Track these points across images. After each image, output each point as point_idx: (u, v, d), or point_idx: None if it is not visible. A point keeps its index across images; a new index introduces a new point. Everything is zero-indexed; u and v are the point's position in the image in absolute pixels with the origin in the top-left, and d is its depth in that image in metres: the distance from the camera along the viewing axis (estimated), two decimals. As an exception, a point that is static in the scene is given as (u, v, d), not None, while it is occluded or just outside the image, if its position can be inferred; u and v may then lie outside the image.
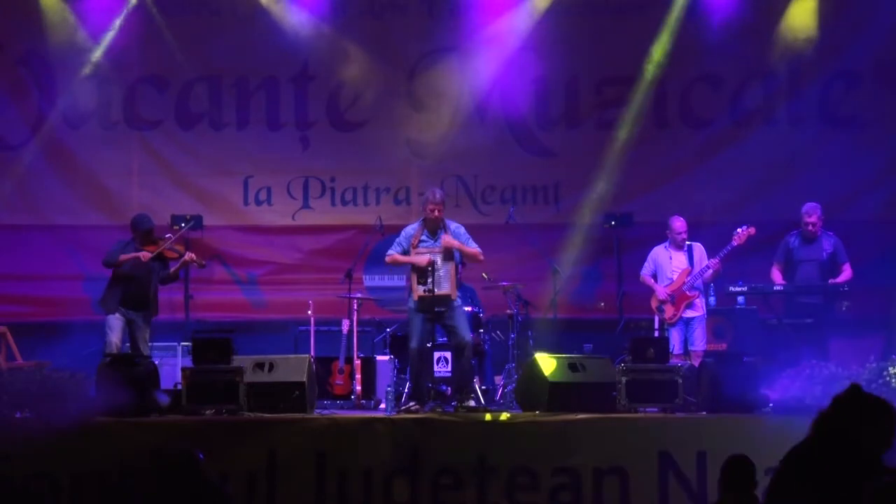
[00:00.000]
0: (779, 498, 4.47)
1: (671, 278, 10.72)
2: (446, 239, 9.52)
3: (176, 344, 11.25)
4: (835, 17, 12.45)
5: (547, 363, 9.16)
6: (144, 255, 10.05)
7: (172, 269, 10.34)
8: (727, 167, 12.46)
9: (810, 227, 10.53)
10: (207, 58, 12.58)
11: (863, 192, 12.28)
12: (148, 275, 10.22)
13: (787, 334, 10.32)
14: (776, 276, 10.64)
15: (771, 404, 8.87)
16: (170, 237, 10.34)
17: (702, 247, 10.68)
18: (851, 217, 11.83)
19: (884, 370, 8.67)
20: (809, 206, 10.53)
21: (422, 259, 9.46)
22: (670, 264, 10.80)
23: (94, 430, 8.32)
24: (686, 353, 10.52)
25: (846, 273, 10.49)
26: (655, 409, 8.91)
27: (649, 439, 8.47)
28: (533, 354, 9.71)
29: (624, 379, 8.87)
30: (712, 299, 11.27)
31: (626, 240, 11.93)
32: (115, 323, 10.16)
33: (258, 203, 12.81)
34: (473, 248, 9.66)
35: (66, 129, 12.59)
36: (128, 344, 10.23)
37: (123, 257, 10.07)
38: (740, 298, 11.21)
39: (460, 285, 10.02)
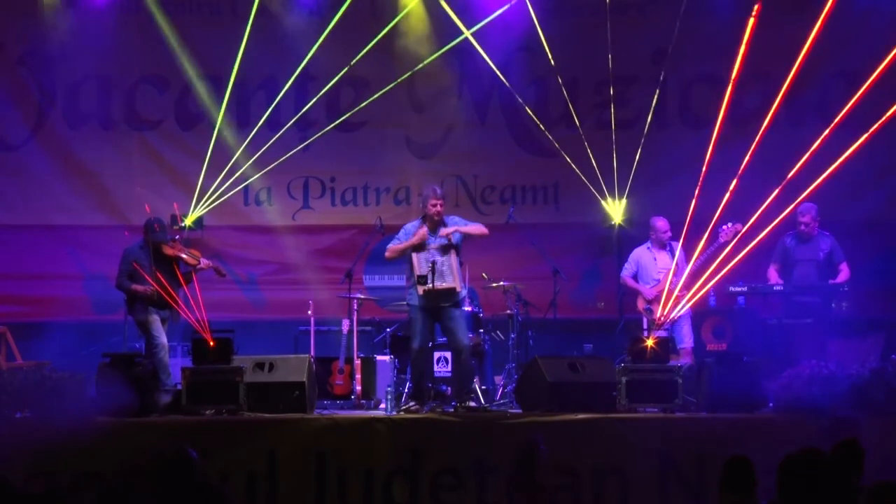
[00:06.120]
0: None
1: (657, 279, 10.71)
2: (444, 231, 9.57)
3: (176, 344, 11.24)
4: (835, 16, 12.42)
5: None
6: (147, 289, 9.71)
7: (184, 272, 10.07)
8: (727, 167, 12.43)
9: (803, 227, 10.55)
10: (207, 58, 12.57)
11: (863, 192, 12.26)
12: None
13: (787, 334, 10.32)
14: (773, 276, 10.64)
15: (771, 404, 8.88)
16: (179, 238, 10.23)
17: (680, 246, 10.57)
18: (851, 217, 11.81)
19: (884, 370, 8.66)
20: (804, 207, 10.51)
21: (418, 235, 9.54)
22: (655, 265, 10.78)
23: (94, 430, 8.33)
24: (675, 351, 10.50)
25: (844, 273, 10.49)
26: (655, 409, 8.91)
27: (649, 439, 8.48)
28: (533, 354, 9.72)
29: (624, 379, 8.88)
30: (712, 299, 11.25)
31: (625, 240, 11.92)
32: (158, 323, 9.82)
33: (258, 203, 12.81)
34: (475, 225, 9.70)
35: (66, 129, 12.60)
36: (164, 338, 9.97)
37: (135, 288, 9.76)
38: (740, 298, 11.20)
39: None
